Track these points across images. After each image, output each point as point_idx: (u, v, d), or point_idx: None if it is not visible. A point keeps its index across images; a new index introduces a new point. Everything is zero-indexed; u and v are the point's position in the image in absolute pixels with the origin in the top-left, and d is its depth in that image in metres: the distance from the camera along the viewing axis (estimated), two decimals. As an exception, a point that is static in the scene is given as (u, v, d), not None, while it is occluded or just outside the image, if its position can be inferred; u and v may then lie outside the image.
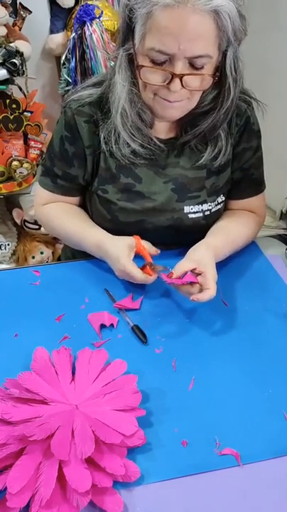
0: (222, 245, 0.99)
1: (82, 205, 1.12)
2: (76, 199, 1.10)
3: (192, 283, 0.88)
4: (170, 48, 0.78)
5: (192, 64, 0.81)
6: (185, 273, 0.88)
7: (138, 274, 0.91)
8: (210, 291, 0.86)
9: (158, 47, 0.79)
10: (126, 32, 0.86)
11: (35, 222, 1.96)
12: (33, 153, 1.79)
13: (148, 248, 0.97)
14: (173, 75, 0.81)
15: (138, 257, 0.95)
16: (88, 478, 0.62)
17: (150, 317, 0.92)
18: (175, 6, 0.75)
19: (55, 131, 1.03)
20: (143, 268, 0.93)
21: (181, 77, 0.81)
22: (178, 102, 0.87)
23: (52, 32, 1.95)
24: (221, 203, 1.07)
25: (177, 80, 0.82)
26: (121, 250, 0.93)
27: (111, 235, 1.00)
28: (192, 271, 0.89)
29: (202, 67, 0.82)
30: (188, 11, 0.75)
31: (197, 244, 0.96)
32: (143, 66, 0.83)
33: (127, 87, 0.90)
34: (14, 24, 1.77)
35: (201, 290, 0.88)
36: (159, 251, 0.98)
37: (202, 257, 0.90)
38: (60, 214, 1.08)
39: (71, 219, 1.07)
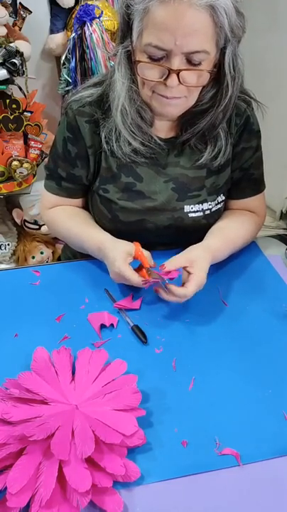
0: (221, 247, 0.99)
1: (86, 206, 1.12)
2: (81, 200, 1.11)
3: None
4: (167, 43, 0.78)
5: (189, 60, 0.81)
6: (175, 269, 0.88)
7: (133, 276, 0.89)
8: (185, 291, 0.87)
9: (155, 42, 0.79)
10: (125, 29, 0.86)
11: (35, 222, 1.96)
12: (33, 153, 1.79)
13: (147, 256, 0.94)
14: (170, 71, 0.81)
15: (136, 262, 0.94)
16: (88, 478, 0.62)
17: (150, 317, 0.92)
18: (171, 2, 0.75)
19: (57, 133, 1.03)
20: (138, 270, 0.92)
21: (178, 72, 0.81)
22: (176, 99, 0.87)
23: (52, 32, 1.95)
24: (221, 202, 1.07)
25: (174, 76, 0.82)
26: (118, 254, 0.92)
27: (113, 237, 0.99)
28: (184, 268, 0.89)
29: (200, 63, 0.82)
30: (184, 6, 0.75)
31: (196, 244, 0.96)
32: (140, 61, 0.83)
33: (126, 84, 0.90)
34: (14, 24, 1.77)
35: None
36: (155, 264, 0.95)
37: (197, 259, 0.90)
38: (64, 217, 1.08)
39: (75, 222, 1.07)
